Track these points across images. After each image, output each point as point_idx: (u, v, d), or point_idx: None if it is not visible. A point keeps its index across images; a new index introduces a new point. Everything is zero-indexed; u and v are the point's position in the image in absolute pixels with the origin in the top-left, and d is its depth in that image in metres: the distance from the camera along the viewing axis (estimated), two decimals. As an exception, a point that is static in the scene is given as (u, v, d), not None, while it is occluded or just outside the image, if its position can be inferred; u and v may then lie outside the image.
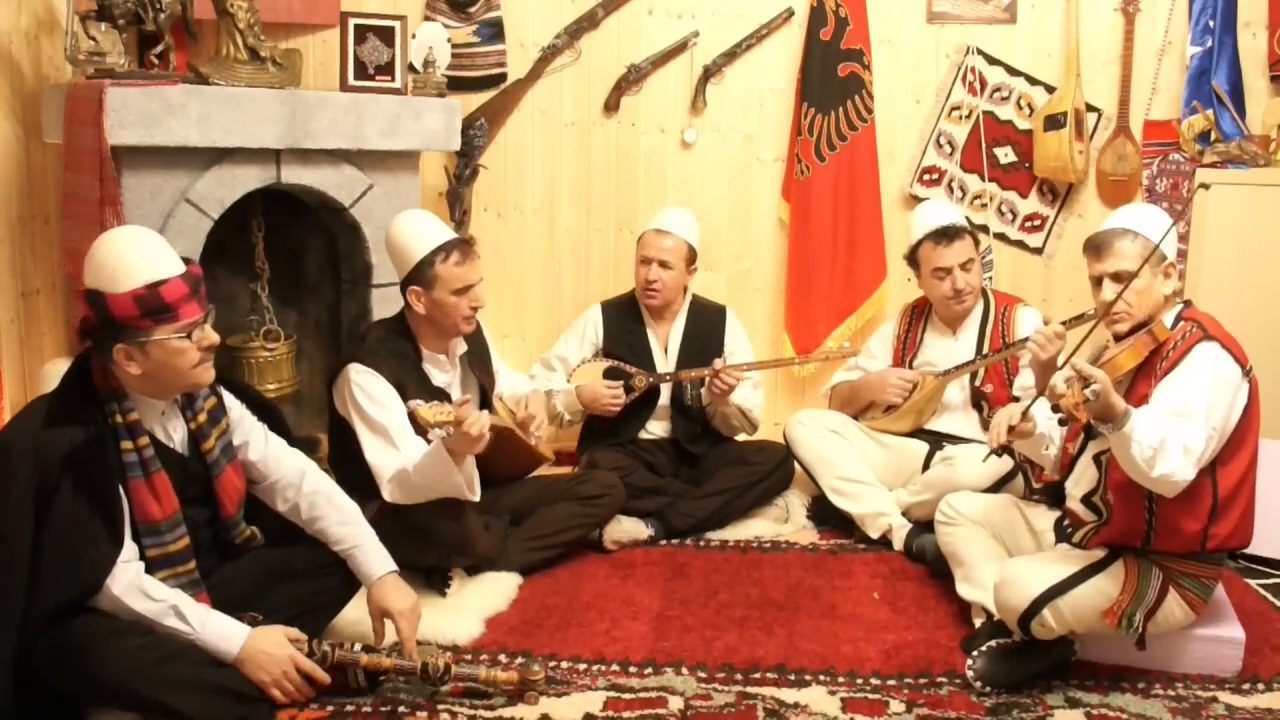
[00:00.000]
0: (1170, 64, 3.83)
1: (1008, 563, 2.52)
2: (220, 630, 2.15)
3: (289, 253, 3.62)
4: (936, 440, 3.35)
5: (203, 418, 2.29)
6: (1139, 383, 2.38)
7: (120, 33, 2.91)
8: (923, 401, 3.36)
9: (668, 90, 3.98)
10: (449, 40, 3.69)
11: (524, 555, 2.97)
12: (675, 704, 2.33)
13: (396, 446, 2.70)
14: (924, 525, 3.09)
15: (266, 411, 2.51)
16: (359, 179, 3.30)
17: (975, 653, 2.43)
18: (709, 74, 3.94)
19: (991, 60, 3.92)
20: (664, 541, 3.24)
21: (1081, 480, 2.51)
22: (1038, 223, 4.01)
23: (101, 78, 2.78)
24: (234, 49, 3.09)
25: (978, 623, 2.62)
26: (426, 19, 3.81)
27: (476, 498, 2.72)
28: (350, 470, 2.77)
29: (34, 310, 3.17)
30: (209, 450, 2.28)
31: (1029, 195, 3.99)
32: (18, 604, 2.00)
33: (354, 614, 2.50)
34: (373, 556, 2.39)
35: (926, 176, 4.01)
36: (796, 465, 3.46)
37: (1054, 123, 3.78)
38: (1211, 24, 3.69)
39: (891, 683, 2.43)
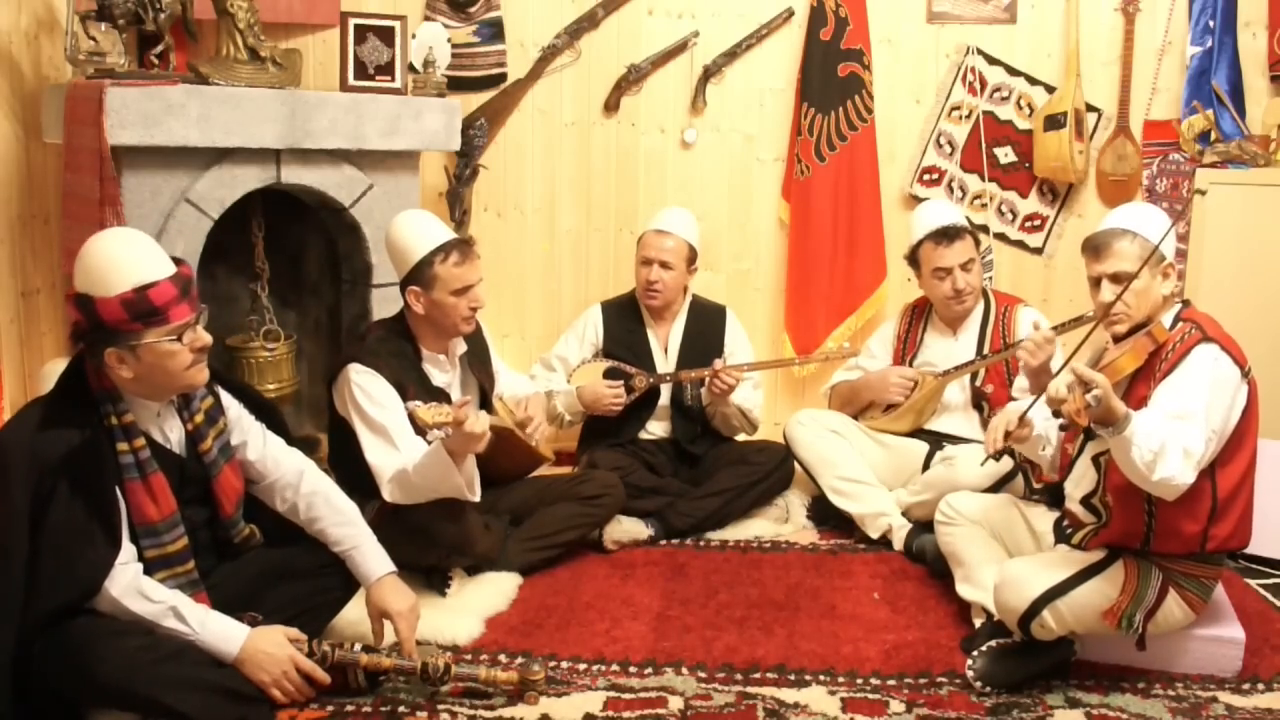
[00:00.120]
0: (1170, 64, 3.83)
1: (1007, 564, 2.52)
2: (220, 630, 2.15)
3: (289, 253, 3.62)
4: (936, 440, 3.35)
5: (200, 418, 2.28)
6: (1138, 384, 2.37)
7: (120, 33, 2.91)
8: (922, 401, 3.36)
9: (668, 90, 3.98)
10: (449, 40, 3.69)
11: (524, 555, 2.97)
12: (675, 704, 2.33)
13: (396, 447, 2.70)
14: (924, 525, 3.09)
15: (265, 411, 2.51)
16: (359, 179, 3.30)
17: (975, 653, 2.43)
18: (709, 74, 3.94)
19: (991, 60, 3.92)
20: (664, 541, 3.24)
21: (1080, 482, 2.51)
22: (1038, 223, 4.01)
23: (101, 78, 2.78)
24: (234, 49, 3.09)
25: (978, 623, 2.62)
26: (426, 19, 3.81)
27: (476, 498, 2.71)
28: (350, 470, 2.78)
29: (34, 310, 3.17)
30: (206, 451, 2.28)
31: (1029, 195, 3.99)
32: (15, 607, 1.99)
33: (354, 614, 2.50)
34: (371, 557, 2.39)
35: (926, 176, 4.01)
36: (796, 465, 3.46)
37: (1054, 123, 3.78)
38: (1211, 24, 3.69)
39: (891, 683, 2.43)
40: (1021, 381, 3.25)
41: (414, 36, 3.55)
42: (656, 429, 3.51)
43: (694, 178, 4.04)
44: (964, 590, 2.69)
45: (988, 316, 3.39)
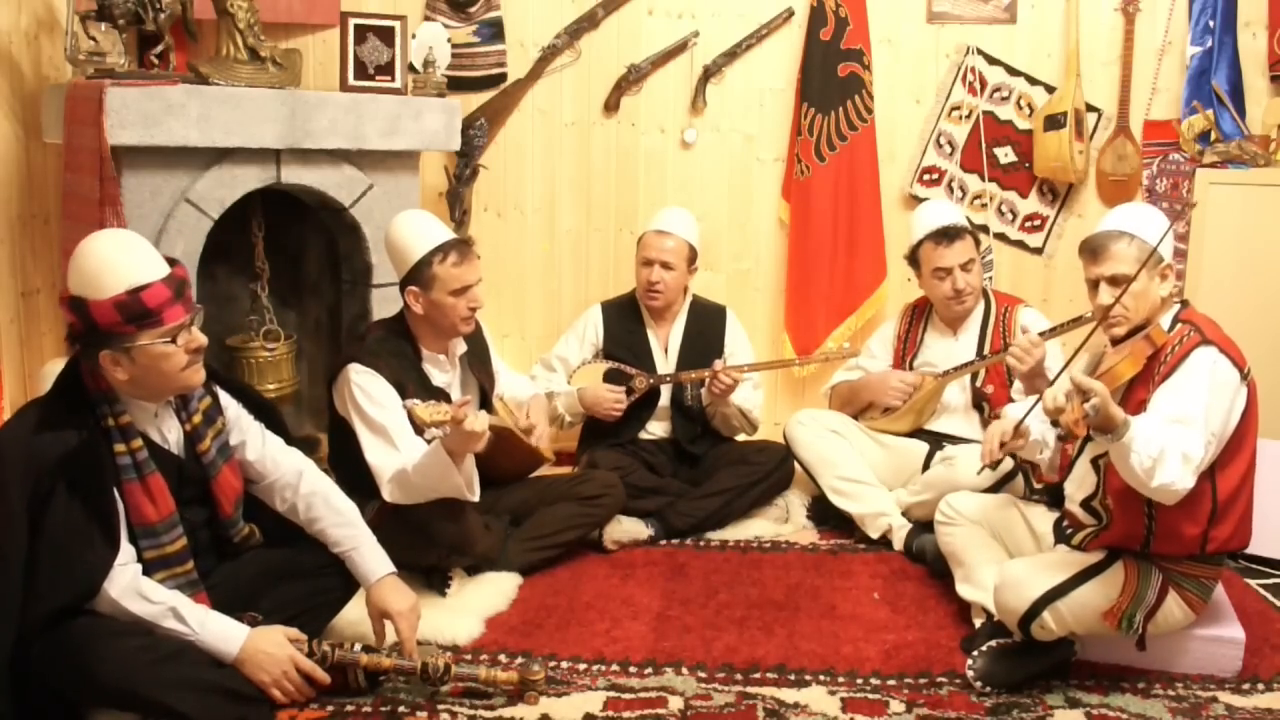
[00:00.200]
0: (1170, 64, 3.83)
1: (1007, 565, 2.52)
2: (220, 631, 2.15)
3: (289, 253, 3.62)
4: (936, 440, 3.35)
5: (198, 418, 2.28)
6: (1136, 388, 2.36)
7: (120, 33, 2.91)
8: (922, 402, 3.36)
9: (668, 90, 3.98)
10: (449, 40, 3.69)
11: (524, 555, 2.97)
12: (675, 704, 2.33)
13: (396, 447, 2.70)
14: (924, 525, 3.09)
15: (264, 411, 2.50)
16: (359, 179, 3.30)
17: (975, 653, 2.43)
18: (709, 74, 3.94)
19: (991, 60, 3.92)
20: (664, 541, 3.24)
21: (1080, 484, 2.50)
22: (1038, 223, 4.01)
23: (101, 78, 2.78)
24: (234, 49, 3.09)
25: (978, 623, 2.62)
26: (426, 19, 3.81)
27: (476, 498, 2.71)
28: (350, 470, 2.78)
29: (34, 310, 3.17)
30: (205, 451, 2.28)
31: (1029, 195, 3.99)
32: (14, 608, 1.99)
33: (354, 614, 2.50)
34: (371, 558, 2.39)
35: (926, 176, 4.01)
36: (796, 465, 3.46)
37: (1054, 123, 3.78)
38: (1211, 24, 3.69)
39: (891, 683, 2.43)
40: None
41: (414, 36, 3.55)
42: (656, 429, 3.51)
43: (694, 178, 4.04)
44: (964, 590, 2.69)
45: (988, 317, 3.39)
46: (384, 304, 3.36)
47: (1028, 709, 2.31)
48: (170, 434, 2.25)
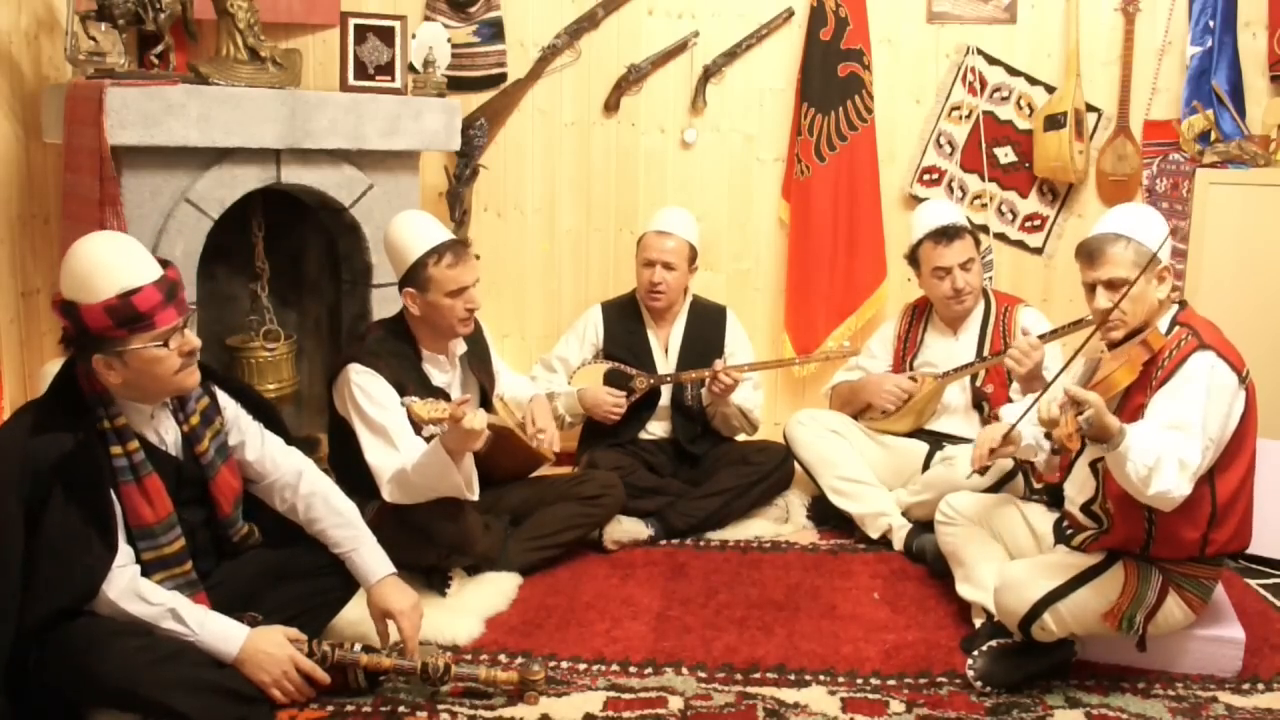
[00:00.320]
0: (1170, 64, 3.83)
1: (1006, 566, 2.51)
2: (219, 631, 2.15)
3: (289, 253, 3.62)
4: (936, 440, 3.35)
5: (195, 419, 2.27)
6: (1134, 392, 2.34)
7: (120, 33, 2.90)
8: (922, 402, 3.36)
9: (668, 90, 3.98)
10: (449, 40, 3.68)
11: (524, 555, 2.97)
12: (675, 704, 2.33)
13: (396, 447, 2.70)
14: (924, 525, 3.09)
15: (263, 411, 2.50)
16: (359, 179, 3.30)
17: (975, 653, 2.43)
18: (709, 74, 3.94)
19: (991, 60, 3.91)
20: (664, 541, 3.24)
21: (1080, 487, 2.49)
22: (1038, 223, 4.01)
23: (101, 78, 2.78)
24: (234, 49, 3.09)
25: (978, 623, 2.62)
26: (426, 19, 3.81)
27: (475, 497, 2.71)
28: (350, 470, 2.78)
29: (34, 310, 3.17)
30: (203, 452, 2.27)
31: (1029, 195, 3.99)
32: (12, 610, 1.99)
33: (354, 614, 2.50)
34: (371, 559, 2.39)
35: (926, 176, 4.01)
36: (796, 465, 3.46)
37: (1054, 123, 3.78)
38: (1211, 24, 3.69)
39: (891, 683, 2.43)
40: (1020, 384, 3.26)
41: (414, 36, 3.55)
42: (657, 429, 3.51)
43: (694, 178, 4.03)
44: (964, 590, 2.69)
45: (988, 317, 3.39)
46: (384, 304, 3.36)
47: (1028, 709, 2.31)
48: (167, 435, 2.25)
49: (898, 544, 3.18)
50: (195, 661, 2.10)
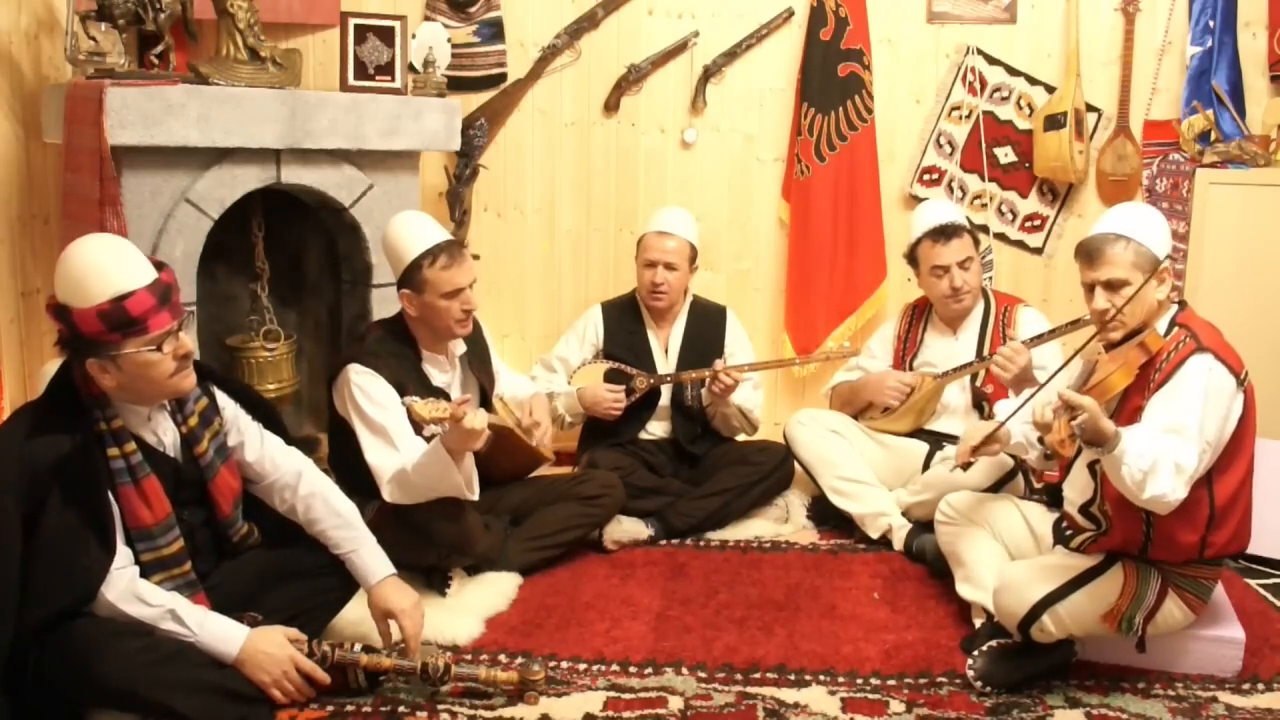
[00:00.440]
0: (1170, 64, 3.83)
1: (1005, 568, 2.51)
2: (219, 631, 2.15)
3: (289, 253, 3.62)
4: (936, 440, 3.35)
5: (194, 420, 2.27)
6: (1131, 395, 2.34)
7: (120, 33, 2.90)
8: (922, 402, 3.36)
9: (668, 90, 3.98)
10: (449, 40, 3.69)
11: (524, 555, 2.97)
12: (675, 704, 2.33)
13: (396, 447, 2.70)
14: (924, 525, 3.09)
15: (263, 411, 2.50)
16: (359, 179, 3.30)
17: (975, 653, 2.43)
18: (709, 74, 3.94)
19: (991, 60, 3.91)
20: (664, 541, 3.24)
21: (1079, 489, 2.49)
22: (1038, 223, 4.01)
23: (101, 78, 2.78)
24: (234, 49, 3.09)
25: (978, 623, 2.62)
26: (426, 19, 3.81)
27: (475, 497, 2.71)
28: (350, 471, 2.78)
29: (34, 310, 3.17)
30: (202, 453, 2.27)
31: (1029, 195, 3.99)
32: (11, 611, 1.99)
33: (354, 614, 2.50)
34: (371, 560, 2.39)
35: (926, 176, 4.01)
36: (796, 465, 3.46)
37: (1054, 123, 3.78)
38: (1211, 24, 3.69)
39: (891, 683, 2.43)
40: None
41: (414, 36, 3.55)
42: (657, 429, 3.51)
43: (694, 178, 4.04)
44: (964, 590, 2.69)
45: (988, 316, 3.39)
46: (384, 304, 3.36)
47: (1028, 709, 2.31)
48: (165, 436, 2.24)
49: (898, 544, 3.18)
50: (195, 662, 2.10)
